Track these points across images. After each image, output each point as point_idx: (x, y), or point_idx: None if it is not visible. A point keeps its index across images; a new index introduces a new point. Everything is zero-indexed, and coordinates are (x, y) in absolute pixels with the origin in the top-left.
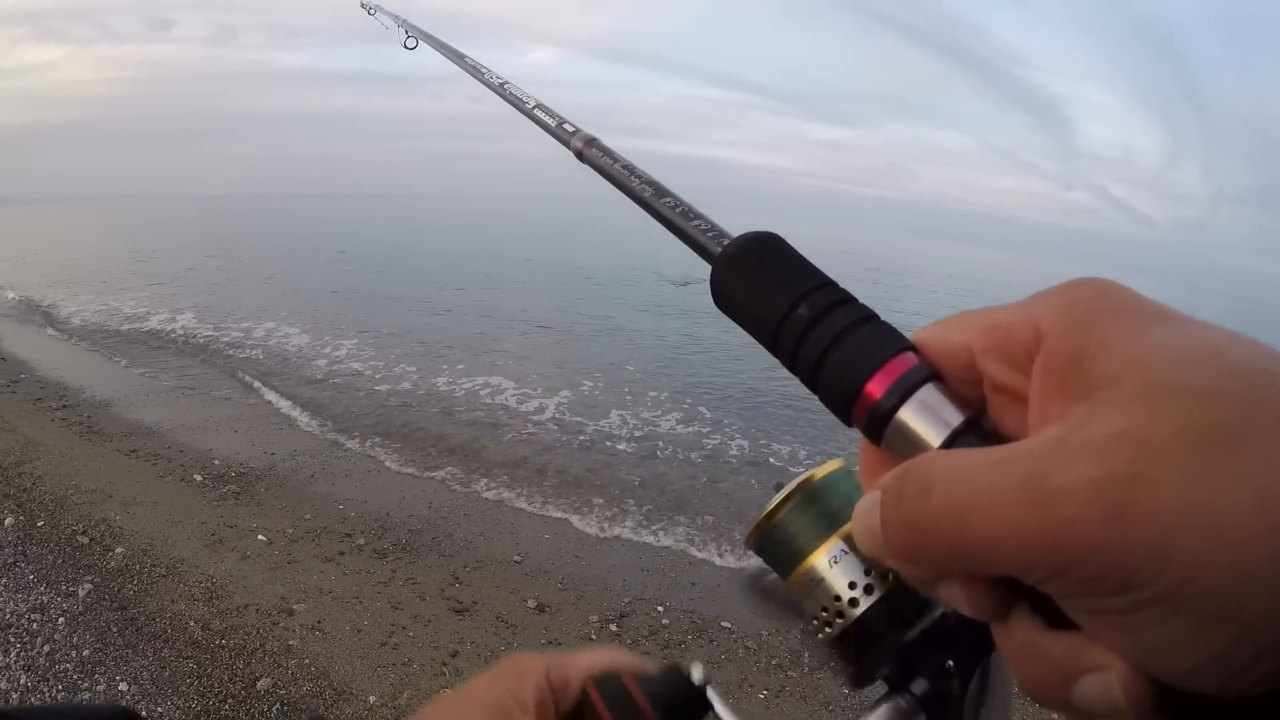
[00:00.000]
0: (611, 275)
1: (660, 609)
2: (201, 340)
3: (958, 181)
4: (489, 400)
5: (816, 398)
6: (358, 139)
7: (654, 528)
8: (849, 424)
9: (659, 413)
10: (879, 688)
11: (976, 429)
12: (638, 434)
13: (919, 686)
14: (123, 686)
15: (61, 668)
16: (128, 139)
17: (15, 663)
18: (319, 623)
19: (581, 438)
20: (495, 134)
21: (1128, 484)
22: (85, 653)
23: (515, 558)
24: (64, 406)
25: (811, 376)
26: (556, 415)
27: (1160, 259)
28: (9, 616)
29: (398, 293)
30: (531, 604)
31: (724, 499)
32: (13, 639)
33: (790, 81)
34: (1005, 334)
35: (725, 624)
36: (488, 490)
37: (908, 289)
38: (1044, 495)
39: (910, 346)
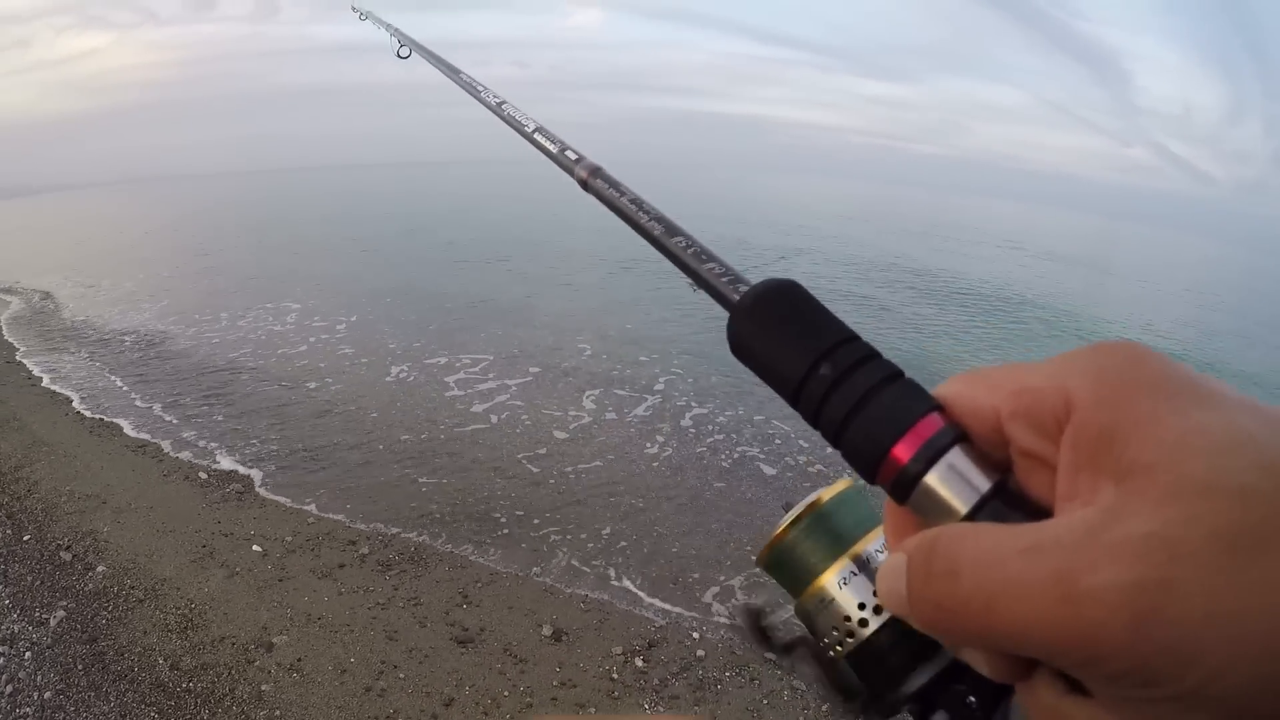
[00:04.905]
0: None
1: (695, 637)
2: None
3: (1012, 138)
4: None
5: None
6: (410, 108)
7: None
8: (874, 483)
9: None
10: None
11: (1003, 493)
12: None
13: None
14: None
15: (21, 712)
16: (178, 121)
17: None
18: (299, 661)
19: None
20: (543, 98)
21: (1156, 590)
22: (47, 694)
23: (535, 569)
24: (82, 400)
25: (836, 437)
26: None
27: (1220, 219)
28: None
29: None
30: (547, 630)
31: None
32: None
33: (837, 35)
34: (1033, 399)
35: (770, 656)
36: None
37: (968, 255)
38: (1073, 593)
39: (936, 406)
